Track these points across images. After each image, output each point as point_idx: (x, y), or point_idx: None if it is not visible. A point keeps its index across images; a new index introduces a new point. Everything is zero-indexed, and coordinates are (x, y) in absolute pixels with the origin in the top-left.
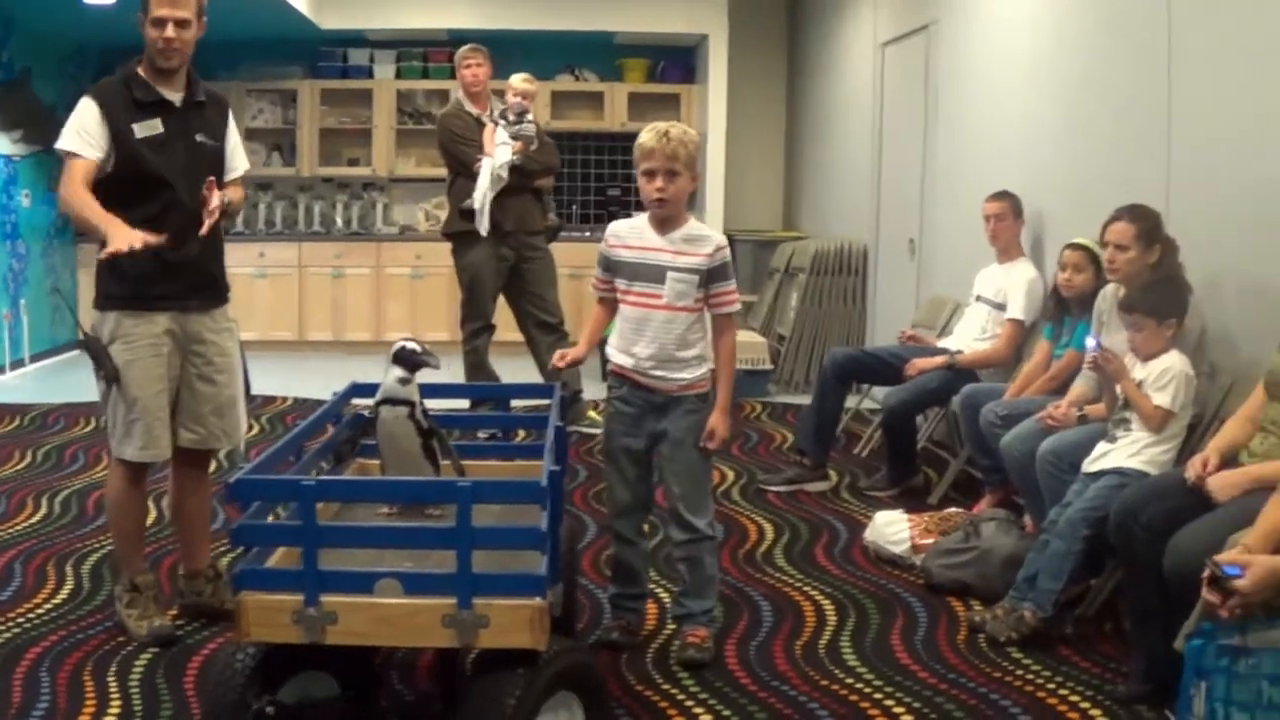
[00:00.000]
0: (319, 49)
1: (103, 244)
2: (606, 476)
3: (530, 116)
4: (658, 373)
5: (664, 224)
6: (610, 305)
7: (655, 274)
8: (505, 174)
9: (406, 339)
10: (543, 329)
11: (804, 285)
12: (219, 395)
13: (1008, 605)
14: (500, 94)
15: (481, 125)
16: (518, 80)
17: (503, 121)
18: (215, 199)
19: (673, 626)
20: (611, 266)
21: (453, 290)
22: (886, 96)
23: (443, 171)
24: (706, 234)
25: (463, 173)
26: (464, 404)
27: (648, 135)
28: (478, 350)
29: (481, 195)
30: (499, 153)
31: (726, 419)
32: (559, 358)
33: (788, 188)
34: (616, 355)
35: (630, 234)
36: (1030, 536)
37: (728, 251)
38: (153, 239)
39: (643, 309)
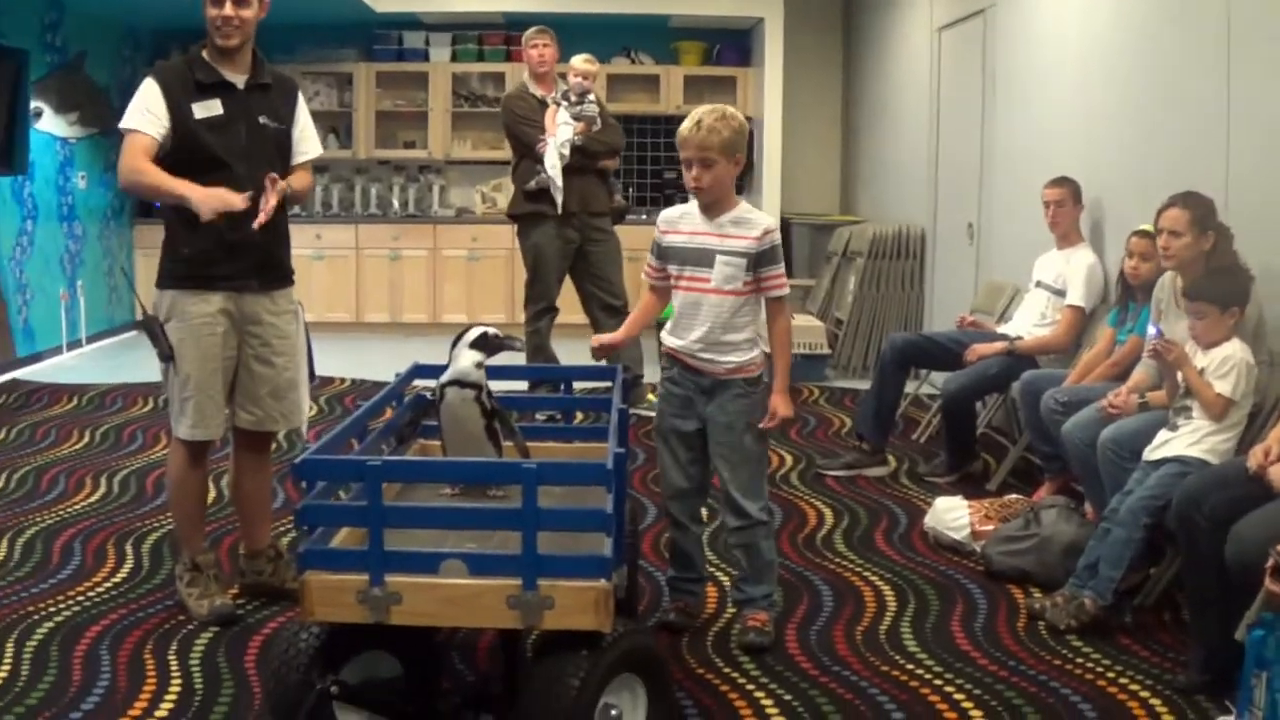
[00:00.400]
0: (374, 32)
1: (175, 210)
2: (659, 458)
3: (592, 97)
4: (706, 355)
5: (711, 209)
6: (661, 294)
7: (704, 258)
8: (566, 151)
9: (476, 324)
10: (608, 312)
11: (862, 269)
12: (277, 377)
13: (1068, 593)
14: (564, 76)
15: (545, 106)
16: (579, 61)
17: (565, 102)
18: (273, 198)
19: (733, 610)
20: (663, 253)
21: (509, 272)
22: (943, 80)
23: (498, 154)
24: (755, 217)
25: (526, 154)
26: (522, 385)
27: (685, 124)
28: (539, 332)
29: (557, 174)
30: (560, 132)
31: (787, 399)
32: (595, 340)
33: (844, 171)
34: (668, 338)
35: (681, 219)
36: (1090, 524)
37: (777, 235)
38: (236, 198)
39: (694, 293)
